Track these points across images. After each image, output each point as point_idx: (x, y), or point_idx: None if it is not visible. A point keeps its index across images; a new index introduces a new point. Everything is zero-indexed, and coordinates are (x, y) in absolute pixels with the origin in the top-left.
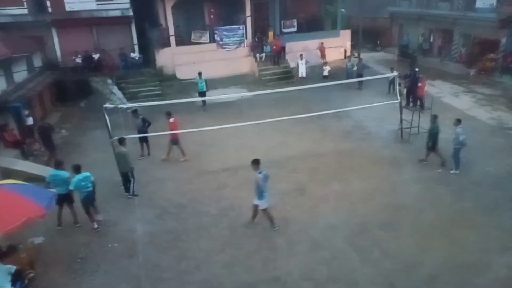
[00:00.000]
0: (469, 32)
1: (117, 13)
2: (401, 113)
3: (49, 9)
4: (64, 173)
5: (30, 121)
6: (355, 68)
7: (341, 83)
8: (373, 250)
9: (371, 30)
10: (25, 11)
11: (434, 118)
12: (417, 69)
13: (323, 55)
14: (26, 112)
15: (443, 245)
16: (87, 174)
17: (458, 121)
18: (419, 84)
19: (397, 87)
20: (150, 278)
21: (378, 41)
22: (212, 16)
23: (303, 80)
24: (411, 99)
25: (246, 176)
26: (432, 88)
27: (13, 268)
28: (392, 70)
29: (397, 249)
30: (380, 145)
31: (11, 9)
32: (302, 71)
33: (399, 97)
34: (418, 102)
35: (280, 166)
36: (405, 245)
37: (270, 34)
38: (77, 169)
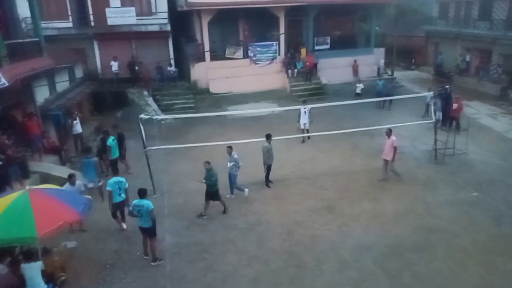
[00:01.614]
0: (509, 52)
1: (156, 28)
2: (435, 133)
3: (92, 23)
4: (149, 203)
5: (78, 129)
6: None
7: (372, 102)
8: (403, 274)
9: (406, 48)
10: (70, 24)
11: (209, 164)
12: (447, 87)
13: (355, 73)
14: (75, 121)
15: (479, 272)
16: (122, 179)
17: None
18: (454, 105)
19: (432, 107)
20: None
21: (413, 60)
22: (246, 33)
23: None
24: (445, 119)
25: (274, 191)
26: (469, 109)
27: (42, 265)
28: (429, 91)
29: (429, 274)
30: (413, 165)
31: (57, 22)
32: (305, 122)
33: (433, 117)
34: (454, 123)
35: (309, 182)
36: (437, 270)
37: (303, 51)
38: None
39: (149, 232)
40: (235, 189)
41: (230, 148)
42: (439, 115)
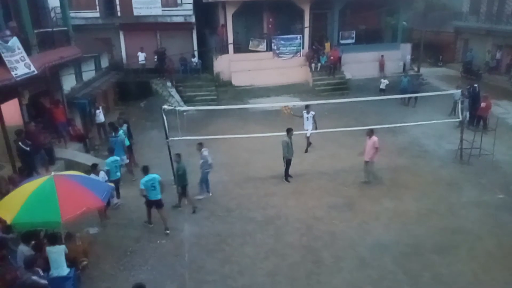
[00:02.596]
0: None
1: (181, 19)
2: (461, 133)
3: (119, 13)
4: (156, 175)
5: (101, 118)
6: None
7: (397, 98)
8: (424, 274)
9: (434, 44)
10: (97, 14)
11: (178, 157)
12: (475, 85)
13: (382, 68)
14: (98, 110)
15: (503, 276)
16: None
17: None
18: (482, 104)
19: (459, 105)
20: (194, 279)
21: (440, 56)
22: (270, 25)
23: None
24: (473, 118)
25: (294, 185)
26: (497, 108)
27: (66, 249)
28: (457, 88)
29: (450, 276)
30: (437, 164)
31: (85, 12)
32: (308, 128)
33: (460, 116)
34: (481, 122)
35: (329, 178)
36: (459, 272)
37: (327, 45)
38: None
39: (159, 203)
40: (202, 187)
41: (200, 144)
42: (466, 114)
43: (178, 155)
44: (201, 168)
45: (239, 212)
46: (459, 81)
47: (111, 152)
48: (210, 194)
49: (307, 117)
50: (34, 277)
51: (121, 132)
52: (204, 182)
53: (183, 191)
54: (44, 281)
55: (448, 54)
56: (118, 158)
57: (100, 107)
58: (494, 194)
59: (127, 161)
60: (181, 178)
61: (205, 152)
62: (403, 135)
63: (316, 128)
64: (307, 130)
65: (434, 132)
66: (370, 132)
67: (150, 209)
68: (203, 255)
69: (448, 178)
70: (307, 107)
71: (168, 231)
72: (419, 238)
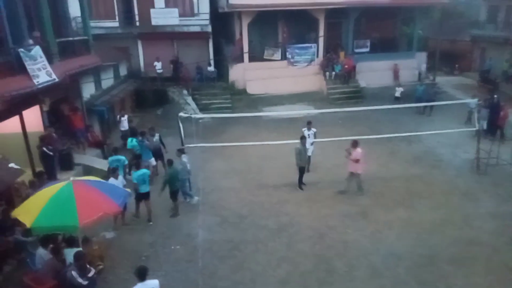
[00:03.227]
0: None
1: (197, 29)
2: (478, 142)
3: (137, 23)
4: (146, 170)
5: (126, 126)
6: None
7: (412, 107)
8: (438, 286)
9: (449, 53)
10: (116, 24)
11: (170, 162)
12: (495, 96)
13: (396, 76)
14: (124, 118)
15: None
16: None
17: None
18: (501, 113)
19: (476, 114)
20: (207, 285)
21: (456, 65)
22: (285, 34)
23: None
24: (490, 128)
25: (307, 193)
26: None
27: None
28: (473, 98)
29: None
30: (453, 174)
31: (104, 22)
32: (308, 148)
33: (477, 125)
34: (499, 132)
35: (342, 186)
36: (475, 285)
37: (342, 54)
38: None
39: (147, 196)
40: (186, 193)
41: (179, 151)
42: (483, 123)
43: (170, 160)
44: (179, 174)
45: (251, 219)
46: (476, 90)
47: (137, 167)
48: (197, 198)
49: (308, 134)
50: (74, 273)
51: (156, 137)
52: (185, 188)
53: (172, 196)
54: (80, 280)
55: (464, 63)
56: (145, 171)
57: (125, 115)
58: (511, 205)
59: (155, 163)
60: (170, 183)
61: (184, 158)
62: (418, 144)
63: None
64: (308, 148)
65: (449, 141)
66: (355, 144)
67: (140, 202)
68: (215, 261)
69: (464, 188)
70: (308, 123)
71: (151, 223)
72: (433, 248)
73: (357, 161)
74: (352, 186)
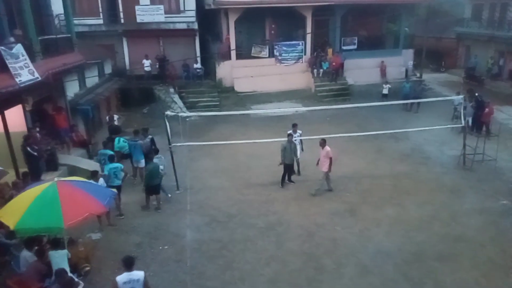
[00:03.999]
0: None
1: (183, 26)
2: (464, 138)
3: (122, 20)
4: (119, 164)
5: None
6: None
7: (399, 104)
8: (426, 282)
9: (436, 50)
10: (101, 21)
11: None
12: (477, 94)
13: (383, 74)
14: (114, 118)
15: (507, 284)
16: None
17: None
18: (486, 110)
19: (462, 111)
20: (195, 285)
21: (442, 62)
22: (272, 32)
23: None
24: (475, 124)
25: (295, 191)
26: (501, 114)
27: (68, 253)
28: (458, 94)
29: (453, 284)
30: (440, 171)
31: (88, 19)
32: (295, 151)
33: (463, 121)
34: (484, 128)
35: (331, 184)
36: (462, 281)
37: (329, 51)
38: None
39: (119, 189)
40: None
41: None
42: (469, 120)
43: (151, 156)
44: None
45: (240, 218)
46: (461, 87)
47: (112, 160)
48: (170, 195)
49: (295, 138)
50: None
51: (148, 139)
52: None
53: (148, 191)
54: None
55: (450, 60)
56: (118, 165)
57: (115, 115)
58: (497, 201)
59: (144, 165)
60: (151, 178)
61: (155, 159)
62: (405, 141)
63: (302, 150)
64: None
65: (436, 138)
66: (323, 142)
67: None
68: (204, 261)
69: (451, 184)
70: (294, 126)
71: (122, 217)
72: (421, 245)
73: (330, 159)
74: (324, 185)
